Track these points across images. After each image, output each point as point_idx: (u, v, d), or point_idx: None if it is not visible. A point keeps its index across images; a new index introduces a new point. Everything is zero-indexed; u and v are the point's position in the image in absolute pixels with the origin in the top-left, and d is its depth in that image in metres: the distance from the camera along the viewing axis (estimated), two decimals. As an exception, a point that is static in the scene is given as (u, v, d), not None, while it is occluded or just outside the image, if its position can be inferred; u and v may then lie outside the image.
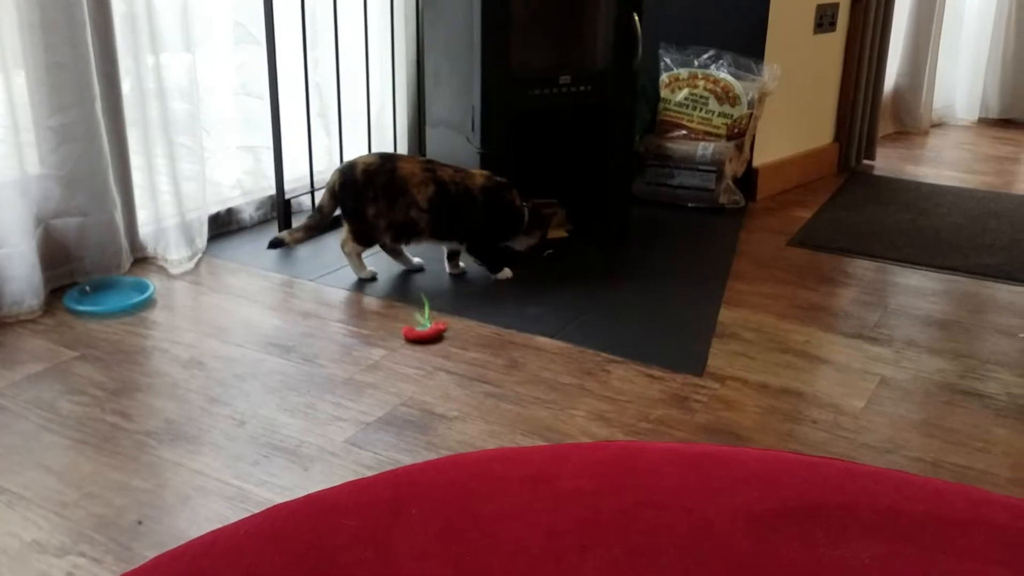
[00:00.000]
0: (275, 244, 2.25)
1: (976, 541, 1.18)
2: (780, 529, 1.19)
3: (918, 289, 2.18)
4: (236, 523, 1.21)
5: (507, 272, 2.18)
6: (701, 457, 1.38)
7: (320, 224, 2.21)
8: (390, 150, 2.73)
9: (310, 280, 2.14)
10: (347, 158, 2.55)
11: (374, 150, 2.66)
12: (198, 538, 1.18)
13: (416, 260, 2.22)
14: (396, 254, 2.21)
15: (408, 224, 2.10)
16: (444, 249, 2.20)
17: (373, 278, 2.16)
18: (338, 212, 2.17)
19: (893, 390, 1.68)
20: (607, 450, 1.41)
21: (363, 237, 2.13)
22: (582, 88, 2.30)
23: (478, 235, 2.15)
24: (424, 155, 2.65)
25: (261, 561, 1.12)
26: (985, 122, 4.38)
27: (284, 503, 1.26)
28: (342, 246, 2.16)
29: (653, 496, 1.26)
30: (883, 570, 1.12)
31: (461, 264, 2.22)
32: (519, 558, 1.13)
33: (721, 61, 2.78)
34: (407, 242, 2.15)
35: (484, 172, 2.15)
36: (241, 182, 2.52)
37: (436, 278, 2.18)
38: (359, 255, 2.16)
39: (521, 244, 2.22)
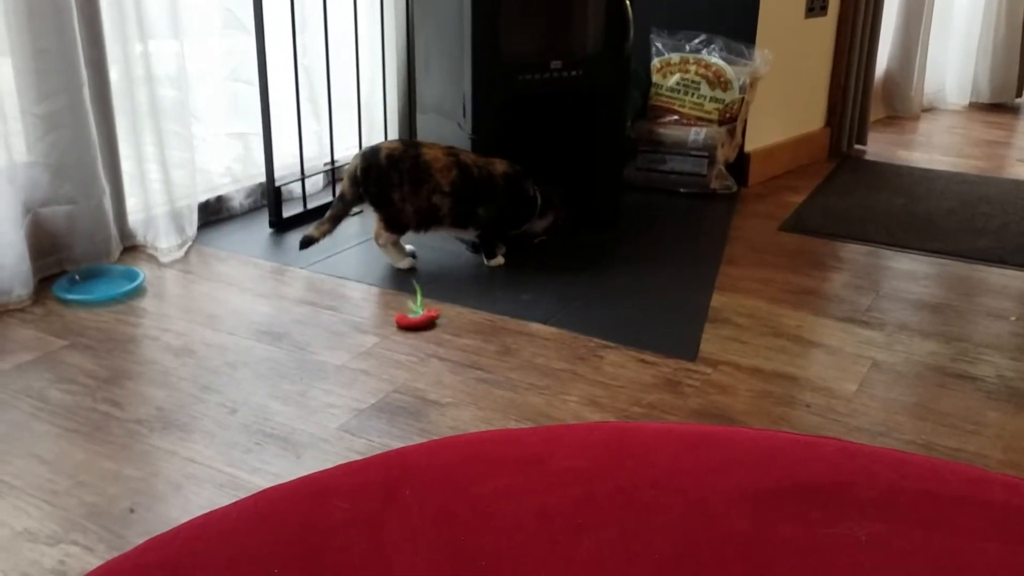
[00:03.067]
0: (306, 243, 2.13)
1: (973, 519, 1.18)
2: (776, 508, 1.19)
3: (910, 273, 2.19)
4: (228, 506, 1.20)
5: (500, 259, 2.17)
6: (696, 437, 1.38)
7: (344, 212, 2.14)
8: (380, 137, 2.71)
9: (301, 268, 2.13)
10: (337, 145, 2.55)
11: (364, 137, 2.65)
12: (190, 521, 1.17)
13: (409, 247, 2.20)
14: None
15: (431, 210, 2.09)
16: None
17: (412, 268, 2.13)
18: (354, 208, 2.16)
19: (885, 373, 1.68)
20: (601, 431, 1.41)
21: (395, 224, 2.10)
22: (573, 73, 2.29)
23: (496, 221, 2.15)
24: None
25: (253, 543, 1.11)
26: (976, 106, 4.39)
27: (276, 486, 1.25)
28: (376, 239, 2.12)
29: (648, 476, 1.26)
30: (880, 548, 1.12)
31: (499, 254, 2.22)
32: (513, 539, 1.12)
33: (712, 46, 2.77)
34: (426, 229, 2.12)
35: (503, 160, 2.15)
36: (231, 169, 2.51)
37: (428, 265, 2.18)
38: (395, 244, 2.13)
39: (537, 227, 2.24)
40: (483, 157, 2.14)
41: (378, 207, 2.10)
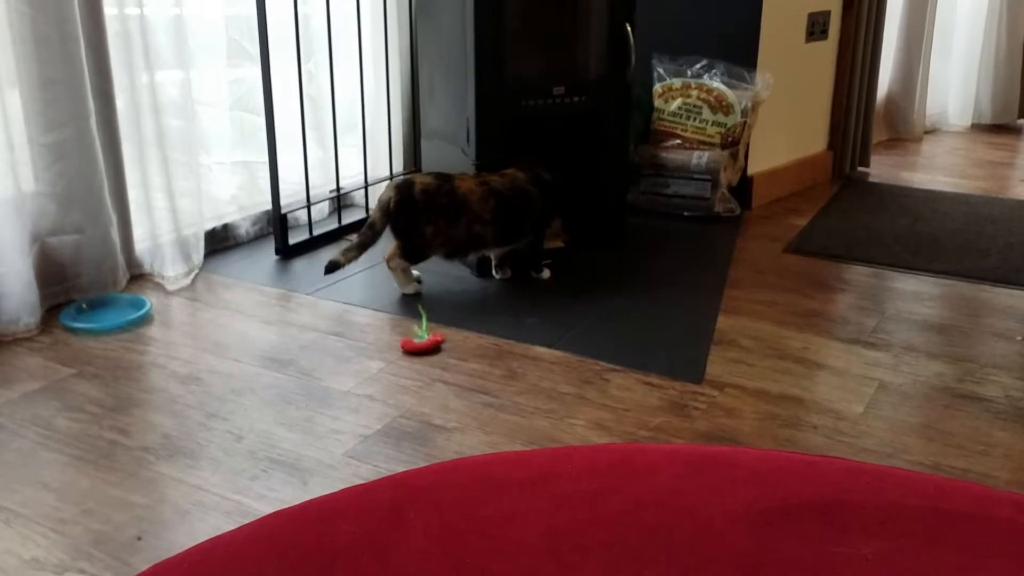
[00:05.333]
0: (332, 267, 2.13)
1: (978, 536, 1.18)
2: (781, 527, 1.18)
3: (915, 294, 2.18)
4: (235, 529, 1.20)
5: (547, 272, 2.25)
6: (701, 457, 1.37)
7: (372, 241, 2.14)
8: (385, 163, 2.73)
9: (307, 294, 2.14)
10: (342, 172, 2.57)
11: (369, 163, 2.66)
12: (197, 545, 1.17)
13: (415, 272, 2.21)
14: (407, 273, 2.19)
15: (472, 239, 2.12)
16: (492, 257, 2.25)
17: (417, 293, 2.15)
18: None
19: (892, 395, 1.68)
20: (606, 452, 1.41)
21: (413, 254, 2.12)
22: (576, 99, 2.30)
23: (544, 222, 2.22)
24: (419, 167, 2.66)
25: (261, 567, 1.11)
26: (978, 127, 4.39)
27: (283, 509, 1.26)
28: (387, 261, 2.13)
29: (653, 496, 1.26)
30: (885, 566, 1.11)
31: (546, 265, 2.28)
32: (519, 560, 1.12)
33: (714, 70, 2.79)
34: (465, 256, 2.17)
35: (514, 168, 2.18)
36: (237, 197, 2.52)
37: (433, 290, 2.18)
38: (405, 270, 2.14)
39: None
40: (504, 175, 2.16)
41: (402, 236, 2.11)
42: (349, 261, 2.14)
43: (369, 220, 2.15)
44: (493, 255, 2.24)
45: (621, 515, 1.21)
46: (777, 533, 1.17)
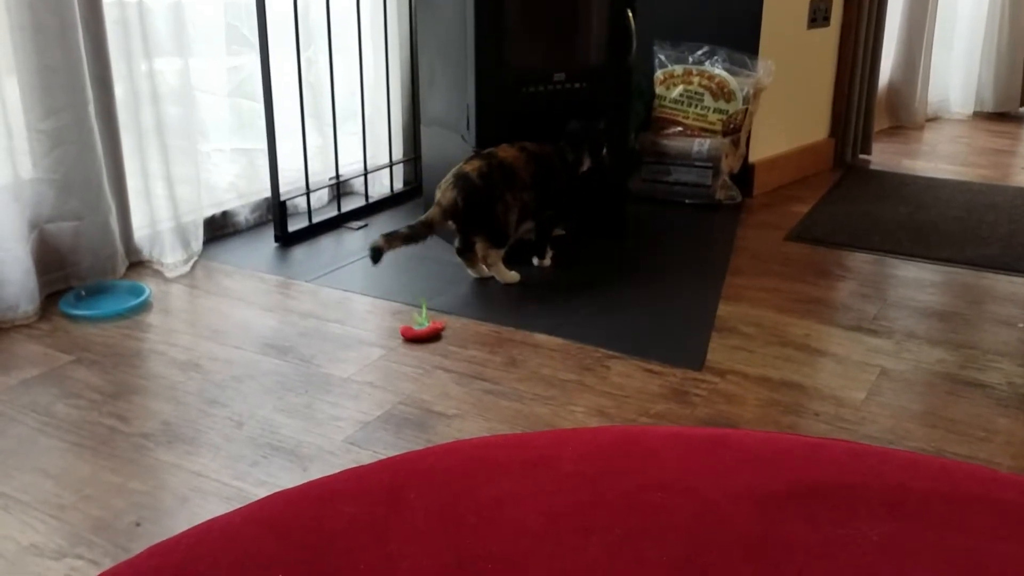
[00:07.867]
0: (375, 254, 1.99)
1: (984, 518, 1.17)
2: (785, 509, 1.18)
3: (917, 281, 2.18)
4: (232, 511, 1.20)
5: (548, 260, 2.24)
6: (703, 440, 1.37)
7: (423, 237, 2.03)
8: (385, 150, 2.72)
9: (307, 281, 2.13)
10: (341, 159, 2.56)
11: (369, 150, 2.65)
12: (195, 527, 1.17)
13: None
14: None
15: (524, 208, 2.12)
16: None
17: (518, 280, 2.14)
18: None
19: (894, 381, 1.67)
20: (608, 434, 1.40)
21: (500, 238, 2.10)
22: (577, 85, 2.29)
23: (567, 197, 2.22)
24: (419, 154, 2.65)
25: (258, 548, 1.11)
26: (980, 116, 4.38)
27: (281, 491, 1.25)
28: (484, 260, 2.12)
29: (656, 478, 1.25)
30: (891, 548, 1.11)
31: (550, 253, 2.26)
32: (520, 541, 1.12)
33: (715, 57, 2.78)
34: (517, 232, 2.15)
35: (544, 143, 2.19)
36: (236, 184, 2.52)
37: (434, 277, 2.17)
38: (502, 260, 2.12)
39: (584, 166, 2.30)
40: (534, 143, 2.16)
41: (481, 228, 2.09)
42: (391, 248, 2.00)
43: (425, 218, 2.05)
44: (530, 233, 2.21)
45: (623, 497, 1.21)
46: (781, 515, 1.17)
